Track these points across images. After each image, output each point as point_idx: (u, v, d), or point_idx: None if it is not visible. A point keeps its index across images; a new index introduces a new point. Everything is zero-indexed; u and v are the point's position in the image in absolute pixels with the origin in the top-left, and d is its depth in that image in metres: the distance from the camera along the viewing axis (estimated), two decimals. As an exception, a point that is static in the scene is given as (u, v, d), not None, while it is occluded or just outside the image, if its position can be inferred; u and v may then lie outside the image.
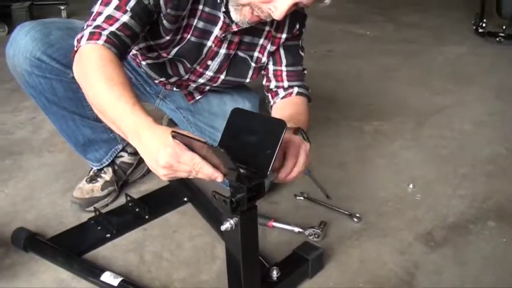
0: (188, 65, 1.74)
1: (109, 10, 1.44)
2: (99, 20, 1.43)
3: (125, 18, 1.44)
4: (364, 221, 1.85)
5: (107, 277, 1.53)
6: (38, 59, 1.64)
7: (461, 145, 2.39)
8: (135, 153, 2.08)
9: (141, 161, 2.12)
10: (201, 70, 1.77)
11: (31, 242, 1.70)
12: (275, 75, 1.78)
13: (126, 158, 2.06)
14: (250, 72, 1.80)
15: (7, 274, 1.63)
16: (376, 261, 1.67)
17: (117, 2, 1.44)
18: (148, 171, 2.17)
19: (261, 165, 1.23)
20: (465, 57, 3.62)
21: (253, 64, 1.77)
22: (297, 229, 1.78)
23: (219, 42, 1.67)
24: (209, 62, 1.74)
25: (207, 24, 1.62)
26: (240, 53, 1.74)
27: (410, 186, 2.05)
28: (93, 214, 1.86)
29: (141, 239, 1.79)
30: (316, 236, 1.74)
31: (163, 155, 1.15)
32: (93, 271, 1.58)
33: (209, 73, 1.77)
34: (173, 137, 1.14)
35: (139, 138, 1.21)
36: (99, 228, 1.80)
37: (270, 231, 1.80)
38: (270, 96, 1.80)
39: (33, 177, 2.19)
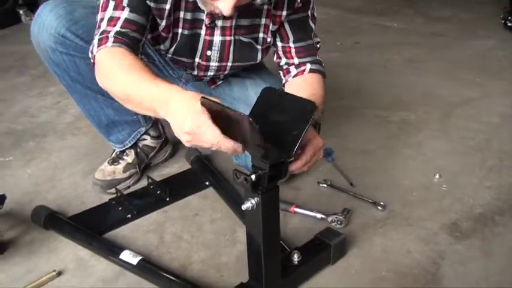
0: (190, 61, 1.72)
1: (109, 13, 1.47)
2: (103, 26, 1.47)
3: (125, 14, 1.46)
4: (388, 210, 1.82)
5: (126, 255, 1.52)
6: (62, 36, 1.65)
7: (489, 137, 2.34)
8: (157, 136, 2.07)
9: (163, 145, 2.12)
10: (204, 63, 1.73)
11: (51, 219, 1.71)
12: (284, 52, 1.70)
13: (148, 141, 2.05)
14: (259, 54, 1.74)
15: (26, 250, 1.64)
16: (399, 250, 1.63)
17: (113, 2, 1.47)
18: (171, 155, 2.17)
19: (287, 146, 1.20)
20: (493, 51, 3.54)
21: (259, 47, 1.71)
22: (319, 215, 1.75)
23: (209, 29, 1.62)
24: (208, 53, 1.69)
25: (195, 13, 1.58)
26: (243, 38, 1.67)
27: (437, 176, 2.01)
28: (114, 196, 1.86)
29: (162, 220, 1.78)
30: (339, 222, 1.71)
31: (189, 121, 1.14)
32: (112, 249, 1.58)
33: (213, 64, 1.73)
34: (202, 103, 1.13)
35: (168, 105, 1.21)
36: (120, 208, 1.80)
37: (291, 217, 1.78)
38: (281, 74, 1.72)
39: (56, 158, 2.20)
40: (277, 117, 1.24)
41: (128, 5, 1.47)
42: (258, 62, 1.78)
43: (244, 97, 1.87)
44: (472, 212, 1.81)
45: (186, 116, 1.15)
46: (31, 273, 1.55)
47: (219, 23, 1.61)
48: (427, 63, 3.29)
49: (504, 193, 1.92)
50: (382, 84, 2.94)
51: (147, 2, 1.49)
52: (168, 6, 1.52)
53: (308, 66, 1.67)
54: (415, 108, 2.61)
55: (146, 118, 1.99)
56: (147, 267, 1.50)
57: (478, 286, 1.49)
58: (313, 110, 1.21)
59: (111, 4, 1.47)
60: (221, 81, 1.95)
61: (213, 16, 1.57)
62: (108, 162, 1.99)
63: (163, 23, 1.57)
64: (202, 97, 1.13)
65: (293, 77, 1.68)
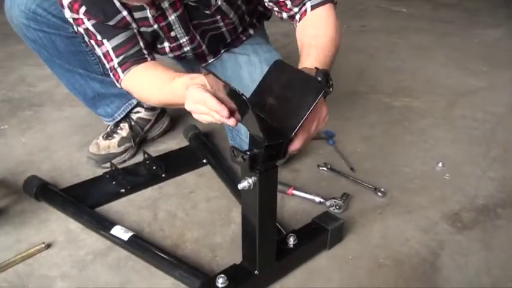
0: (161, 47, 1.69)
1: (99, 51, 1.55)
2: (106, 63, 1.56)
3: (108, 45, 1.53)
4: (388, 196, 1.78)
5: (117, 231, 1.49)
6: (33, 12, 1.62)
7: (494, 128, 2.29)
8: (152, 108, 2.01)
9: (159, 117, 2.07)
10: (174, 44, 1.68)
11: (43, 190, 1.68)
12: (280, 8, 1.54)
13: (143, 113, 2.00)
14: (219, 19, 1.66)
15: (17, 221, 1.62)
16: (398, 237, 1.60)
17: (94, 41, 1.53)
18: (168, 127, 2.13)
19: (288, 125, 1.16)
20: (501, 40, 3.50)
21: (208, 11, 1.61)
22: (318, 199, 1.71)
23: (160, 17, 1.56)
24: (172, 34, 1.64)
25: (142, 11, 1.53)
26: (190, 2, 1.57)
27: (439, 164, 1.97)
28: (108, 170, 1.83)
29: (156, 197, 1.75)
30: (337, 207, 1.67)
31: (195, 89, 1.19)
32: (103, 224, 1.55)
33: (183, 40, 1.67)
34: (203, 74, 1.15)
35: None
36: (113, 182, 1.76)
37: (289, 199, 1.74)
38: (292, 22, 1.58)
39: (52, 129, 2.17)
40: (282, 93, 1.19)
41: (103, 38, 1.52)
42: (218, 24, 1.69)
43: (237, 76, 1.80)
44: (474, 203, 1.77)
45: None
46: (20, 243, 1.52)
47: (165, 4, 1.53)
48: (433, 50, 3.25)
49: (507, 185, 1.88)
50: (387, 69, 2.90)
51: (108, 24, 1.50)
52: (125, 13, 1.51)
53: (308, 4, 1.49)
54: (419, 95, 2.57)
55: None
56: (138, 243, 1.47)
57: (478, 278, 1.46)
58: (320, 90, 1.14)
59: (93, 43, 1.54)
60: (213, 59, 1.87)
61: (154, 2, 1.50)
62: (103, 137, 1.95)
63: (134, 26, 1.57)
64: (202, 66, 1.11)
65: (299, 22, 1.53)
